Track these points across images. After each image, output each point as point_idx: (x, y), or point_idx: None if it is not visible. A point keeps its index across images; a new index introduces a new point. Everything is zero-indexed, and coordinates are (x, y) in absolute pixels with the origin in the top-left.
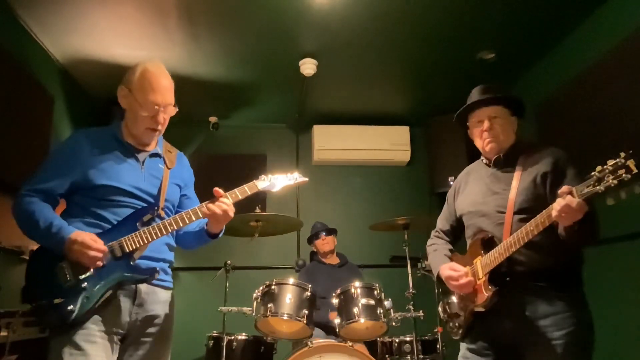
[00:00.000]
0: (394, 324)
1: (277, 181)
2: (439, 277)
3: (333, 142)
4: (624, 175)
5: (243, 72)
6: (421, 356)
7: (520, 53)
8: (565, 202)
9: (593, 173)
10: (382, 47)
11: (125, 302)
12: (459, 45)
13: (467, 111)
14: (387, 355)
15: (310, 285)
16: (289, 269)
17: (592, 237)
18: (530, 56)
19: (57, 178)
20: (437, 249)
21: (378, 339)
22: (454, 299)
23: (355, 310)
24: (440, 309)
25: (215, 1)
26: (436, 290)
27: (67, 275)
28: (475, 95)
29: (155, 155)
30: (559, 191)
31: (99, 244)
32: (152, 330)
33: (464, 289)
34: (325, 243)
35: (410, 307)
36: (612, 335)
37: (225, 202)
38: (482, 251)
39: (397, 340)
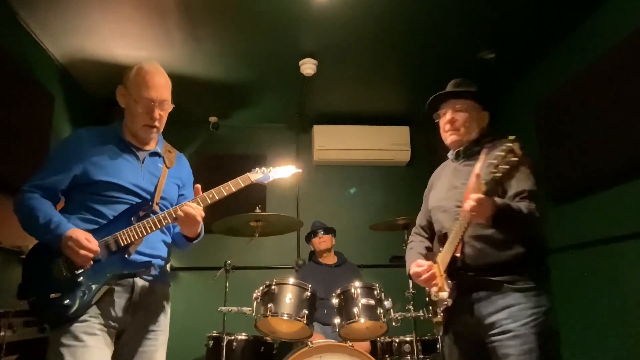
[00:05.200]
0: (394, 324)
1: (271, 173)
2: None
3: (333, 142)
4: (512, 158)
5: (243, 72)
6: (421, 356)
7: (520, 53)
8: (470, 202)
9: (489, 160)
10: (382, 47)
11: (122, 297)
12: (459, 45)
13: (438, 102)
14: (387, 355)
15: (310, 285)
16: (289, 269)
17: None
18: (530, 56)
19: (58, 174)
20: (412, 247)
21: (378, 339)
22: (433, 297)
23: (355, 310)
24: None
25: (216, 1)
26: None
27: (63, 271)
28: (447, 88)
29: (155, 154)
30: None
31: (93, 244)
32: (148, 325)
33: (429, 283)
34: (322, 241)
35: (410, 307)
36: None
37: (191, 206)
38: (441, 248)
39: (397, 340)
